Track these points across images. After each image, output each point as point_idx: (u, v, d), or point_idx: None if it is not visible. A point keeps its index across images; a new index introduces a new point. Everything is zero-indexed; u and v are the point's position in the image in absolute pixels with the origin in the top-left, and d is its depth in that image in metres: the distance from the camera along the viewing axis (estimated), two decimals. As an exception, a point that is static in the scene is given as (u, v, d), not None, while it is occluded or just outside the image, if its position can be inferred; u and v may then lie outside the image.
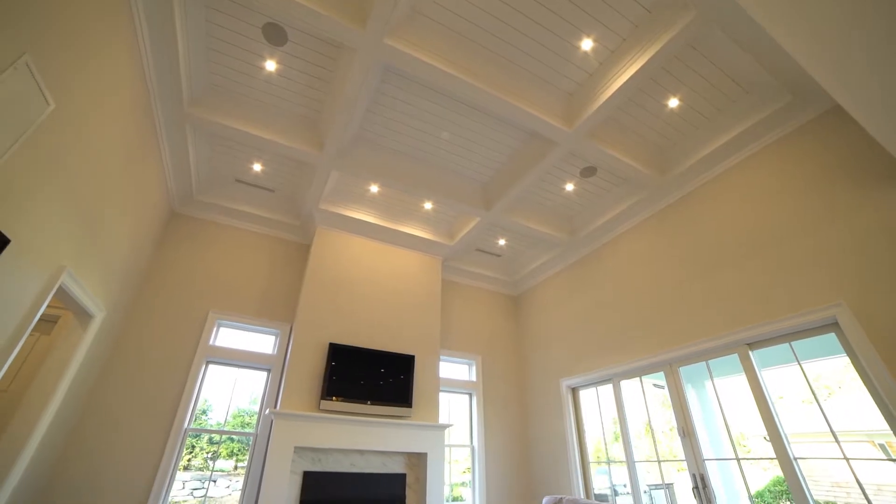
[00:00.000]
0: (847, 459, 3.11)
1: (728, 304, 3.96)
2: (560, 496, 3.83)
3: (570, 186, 5.12)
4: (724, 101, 3.98)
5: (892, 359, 2.89)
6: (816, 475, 6.73)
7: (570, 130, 4.08)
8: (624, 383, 4.91)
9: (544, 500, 3.99)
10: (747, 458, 3.92)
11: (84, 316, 3.48)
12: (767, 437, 3.51)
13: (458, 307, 6.61)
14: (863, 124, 2.60)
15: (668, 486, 5.35)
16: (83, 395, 3.85)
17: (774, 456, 3.41)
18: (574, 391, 5.58)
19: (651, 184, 4.73)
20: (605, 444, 5.00)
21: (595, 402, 5.25)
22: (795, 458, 3.33)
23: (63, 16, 2.26)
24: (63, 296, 3.05)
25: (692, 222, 4.55)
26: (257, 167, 4.85)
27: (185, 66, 3.55)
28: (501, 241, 6.27)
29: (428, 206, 5.47)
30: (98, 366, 4.02)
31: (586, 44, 3.56)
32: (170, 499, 4.04)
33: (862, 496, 2.98)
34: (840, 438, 3.24)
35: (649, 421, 4.56)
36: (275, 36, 3.49)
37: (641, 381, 4.71)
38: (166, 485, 4.00)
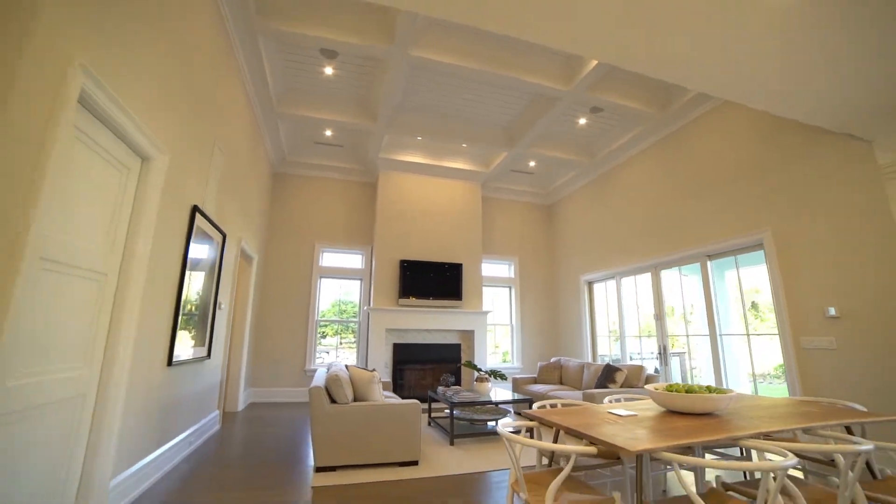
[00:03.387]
0: (748, 335, 4.71)
1: (697, 225, 5.26)
2: (559, 357, 5.96)
3: (582, 121, 6.15)
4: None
5: (786, 271, 4.24)
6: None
7: (569, 89, 5.11)
8: (624, 280, 6.57)
9: (551, 360, 6.16)
10: (695, 335, 5.57)
11: (250, 259, 5.86)
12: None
13: (500, 218, 8.31)
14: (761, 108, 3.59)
15: (680, 355, 7.25)
16: (258, 306, 6.49)
17: (707, 333, 5.08)
18: (590, 284, 7.37)
19: (652, 117, 5.65)
20: (608, 323, 6.91)
21: (604, 293, 7.03)
22: (721, 335, 4.98)
23: (213, 100, 3.97)
24: (242, 252, 5.34)
25: (680, 156, 5.56)
26: (328, 133, 6.52)
27: (272, 84, 5.13)
28: (532, 163, 7.55)
29: (464, 145, 6.85)
30: (260, 289, 6.59)
31: (573, 25, 4.44)
32: (316, 360, 6.89)
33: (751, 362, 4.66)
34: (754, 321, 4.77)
35: (637, 306, 6.31)
36: (329, 53, 4.85)
37: (635, 279, 6.34)
38: (313, 352, 6.81)
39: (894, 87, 3.04)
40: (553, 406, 2.77)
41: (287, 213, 7.12)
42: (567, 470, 1.73)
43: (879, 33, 2.53)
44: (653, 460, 1.69)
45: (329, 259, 7.33)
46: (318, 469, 3.25)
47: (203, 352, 4.03)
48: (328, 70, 5.15)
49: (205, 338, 4.07)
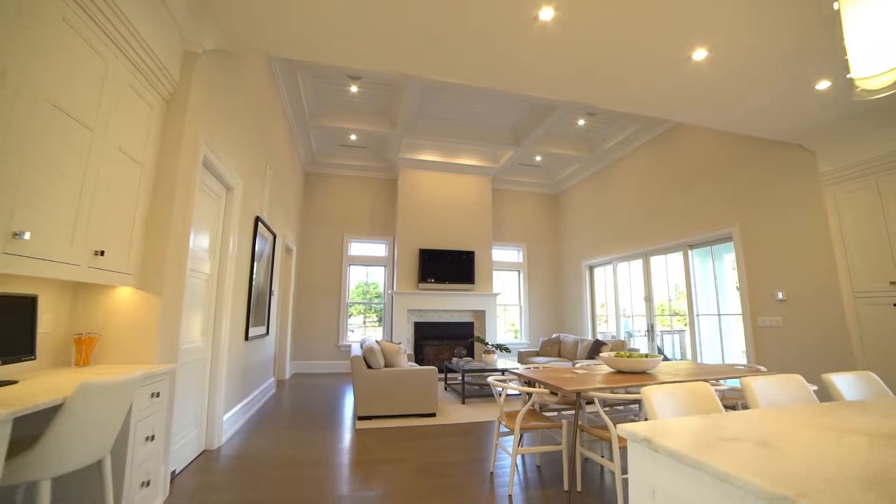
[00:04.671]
0: (719, 316, 5.53)
1: (680, 219, 6.03)
2: (559, 334, 6.90)
3: (581, 122, 6.89)
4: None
5: (749, 260, 5.03)
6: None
7: (565, 99, 5.86)
8: (619, 265, 7.40)
9: (551, 336, 7.11)
10: (675, 314, 6.41)
11: (290, 251, 6.93)
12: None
13: (509, 208, 9.16)
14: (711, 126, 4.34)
15: (681, 332, 8.08)
16: (298, 291, 7.60)
17: (685, 313, 5.92)
18: (591, 268, 8.21)
19: (640, 119, 6.37)
20: (605, 303, 7.78)
21: (602, 277, 7.87)
22: (698, 315, 5.82)
23: (265, 132, 4.93)
24: (285, 246, 6.39)
25: (666, 156, 6.30)
26: (353, 137, 7.44)
27: (305, 102, 6.05)
28: (538, 158, 8.33)
29: (475, 146, 7.67)
30: (299, 276, 7.68)
31: (566, 47, 5.19)
32: (348, 336, 8.01)
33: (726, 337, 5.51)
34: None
35: (629, 289, 7.15)
36: (354, 77, 5.73)
37: (629, 264, 7.16)
38: (345, 330, 7.93)
39: (826, 111, 3.78)
40: (536, 367, 3.73)
41: (318, 207, 8.14)
42: (529, 404, 2.70)
43: (788, 76, 3.30)
44: (581, 397, 2.61)
45: (356, 248, 8.36)
46: (360, 417, 4.32)
47: (263, 330, 5.12)
48: (353, 88, 6.04)
49: (264, 318, 5.16)
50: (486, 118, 6.90)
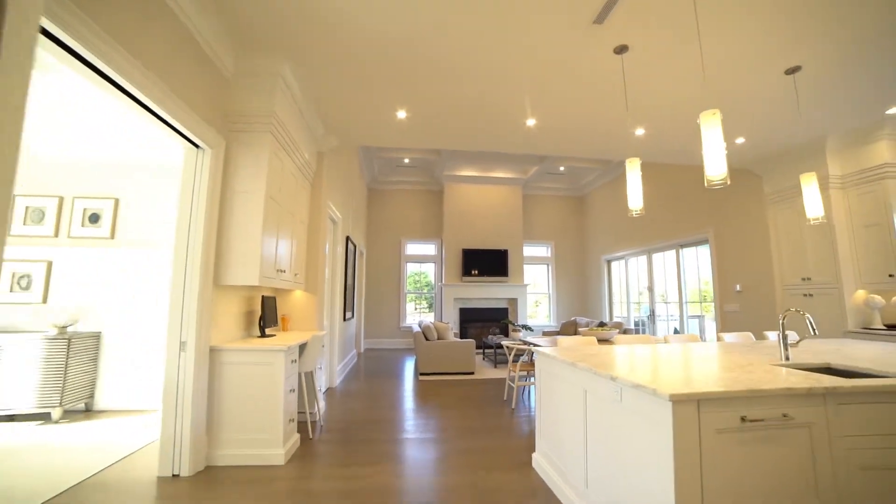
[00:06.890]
0: (701, 303, 6.94)
1: (673, 223, 7.43)
2: (576, 317, 8.53)
3: (594, 142, 8.35)
4: (675, 99, 6.72)
5: (720, 258, 6.42)
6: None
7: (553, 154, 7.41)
8: (630, 259, 8.85)
9: (570, 319, 8.75)
10: (668, 302, 7.79)
11: (362, 254, 9.01)
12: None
13: (539, 211, 10.75)
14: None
15: (700, 317, 9.44)
16: (368, 284, 9.70)
17: (677, 301, 7.36)
18: (608, 262, 9.68)
19: (642, 142, 7.76)
20: (620, 292, 9.24)
21: (617, 269, 9.34)
22: (686, 302, 7.25)
23: (348, 177, 6.92)
24: (359, 251, 8.46)
25: (661, 171, 7.66)
26: (406, 161, 9.35)
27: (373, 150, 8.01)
28: (561, 168, 9.85)
29: (506, 162, 9.34)
30: (368, 272, 9.79)
31: (570, 96, 6.75)
32: (406, 319, 10.06)
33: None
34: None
35: (637, 281, 8.60)
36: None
37: (637, 259, 8.61)
38: (404, 313, 9.98)
39: (765, 146, 5.17)
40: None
41: (380, 217, 10.18)
42: (522, 358, 4.49)
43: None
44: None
45: (411, 248, 10.35)
46: (421, 374, 6.28)
47: (351, 314, 7.21)
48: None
49: (352, 306, 7.24)
50: (514, 143, 8.54)
